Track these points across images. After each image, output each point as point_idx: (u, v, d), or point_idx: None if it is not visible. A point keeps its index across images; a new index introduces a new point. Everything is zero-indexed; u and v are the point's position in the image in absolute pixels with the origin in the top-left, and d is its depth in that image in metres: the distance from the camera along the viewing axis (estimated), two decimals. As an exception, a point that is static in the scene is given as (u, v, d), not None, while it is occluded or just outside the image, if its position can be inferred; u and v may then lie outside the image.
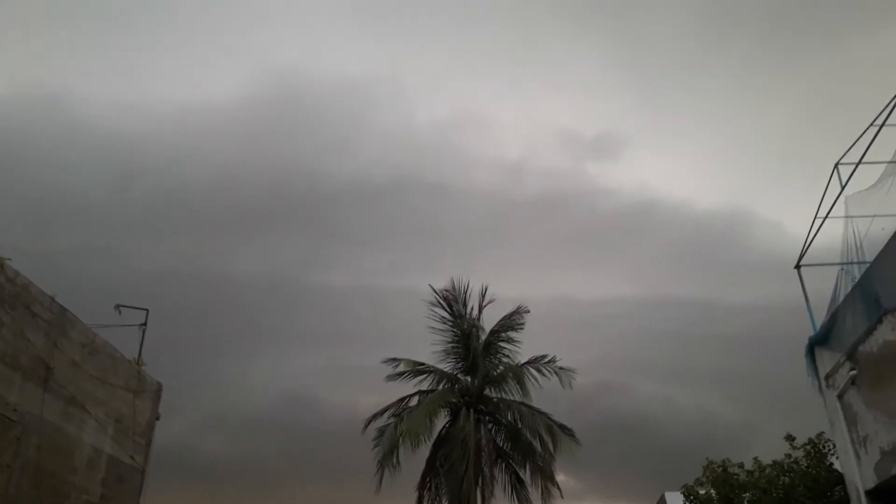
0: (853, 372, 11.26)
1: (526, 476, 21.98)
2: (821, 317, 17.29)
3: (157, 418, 16.18)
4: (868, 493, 11.12)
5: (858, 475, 11.26)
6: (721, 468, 18.13)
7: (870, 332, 10.84)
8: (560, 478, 22.38)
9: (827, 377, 12.70)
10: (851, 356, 11.45)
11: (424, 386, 22.64)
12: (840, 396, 11.87)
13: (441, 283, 23.19)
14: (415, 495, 21.68)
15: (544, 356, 22.53)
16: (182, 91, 52.86)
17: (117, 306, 16.09)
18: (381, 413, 21.78)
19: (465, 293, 22.87)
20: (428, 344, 22.88)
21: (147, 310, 16.50)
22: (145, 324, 16.26)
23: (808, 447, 17.67)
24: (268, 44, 55.67)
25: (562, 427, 21.66)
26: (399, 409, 21.90)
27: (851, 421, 11.54)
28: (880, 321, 10.46)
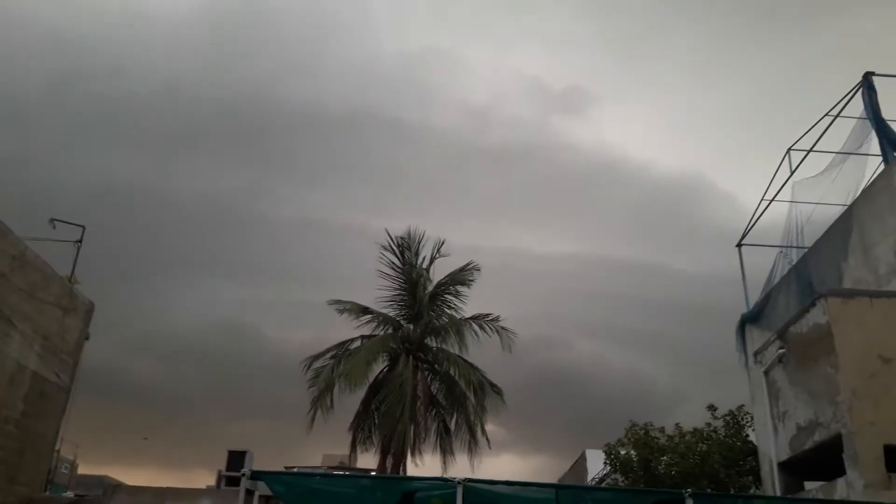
0: (781, 350, 11.66)
1: (452, 426, 22.34)
2: (756, 295, 17.87)
3: (87, 338, 15.76)
4: (781, 465, 11.66)
5: (774, 448, 11.77)
6: (643, 431, 18.75)
7: (801, 314, 11.19)
8: (488, 427, 22.76)
9: (756, 353, 13.15)
10: (782, 335, 11.83)
11: (367, 330, 22.63)
12: (766, 373, 12.30)
13: (392, 226, 23.12)
14: (345, 436, 21.87)
15: (488, 314, 22.76)
16: (130, -6, 49.43)
17: (52, 220, 15.48)
18: (323, 354, 21.71)
19: (420, 243, 22.80)
20: (370, 287, 22.85)
21: (83, 227, 15.94)
22: (81, 241, 15.70)
23: (728, 418, 18.40)
24: (231, -47, 52.62)
25: (492, 385, 21.96)
26: (340, 350, 21.87)
27: (774, 396, 12.00)
28: (813, 304, 10.79)
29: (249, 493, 8.48)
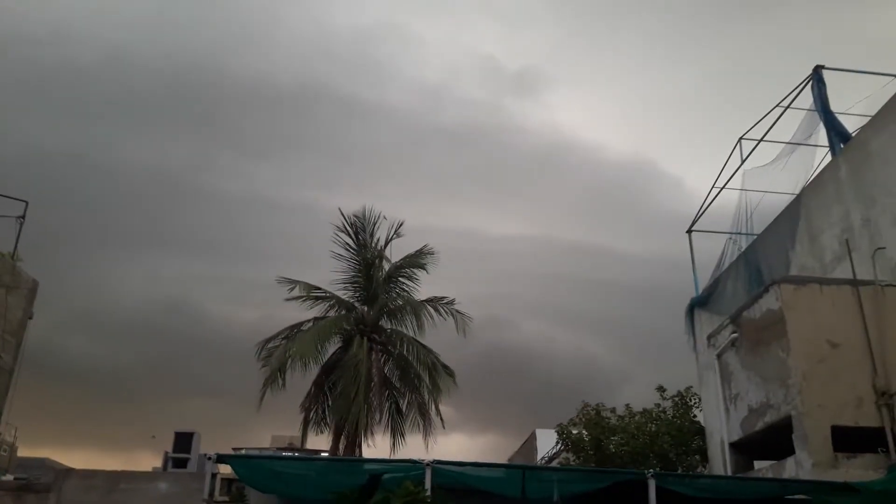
0: (734, 335, 12.01)
1: (404, 407, 22.40)
2: (705, 279, 18.35)
3: (31, 317, 15.15)
4: (732, 445, 12.07)
5: (726, 428, 12.17)
6: (595, 411, 19.16)
7: (755, 299, 11.54)
8: (433, 408, 22.76)
9: (709, 337, 13.52)
10: (735, 320, 12.19)
11: (319, 311, 22.41)
12: (719, 356, 12.67)
13: (342, 203, 22.84)
14: (295, 417, 21.71)
15: (443, 297, 22.77)
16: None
17: (-7, 195, 14.75)
18: (276, 336, 21.43)
19: (375, 224, 22.58)
20: (320, 265, 22.60)
21: (27, 202, 15.24)
22: (23, 216, 15.03)
23: (677, 399, 18.95)
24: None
25: (445, 367, 22.04)
26: (292, 332, 21.62)
27: (726, 379, 12.38)
28: (766, 290, 11.13)
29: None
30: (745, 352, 11.71)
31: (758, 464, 12.01)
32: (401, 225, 22.81)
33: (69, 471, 12.12)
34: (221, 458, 7.86)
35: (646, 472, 8.08)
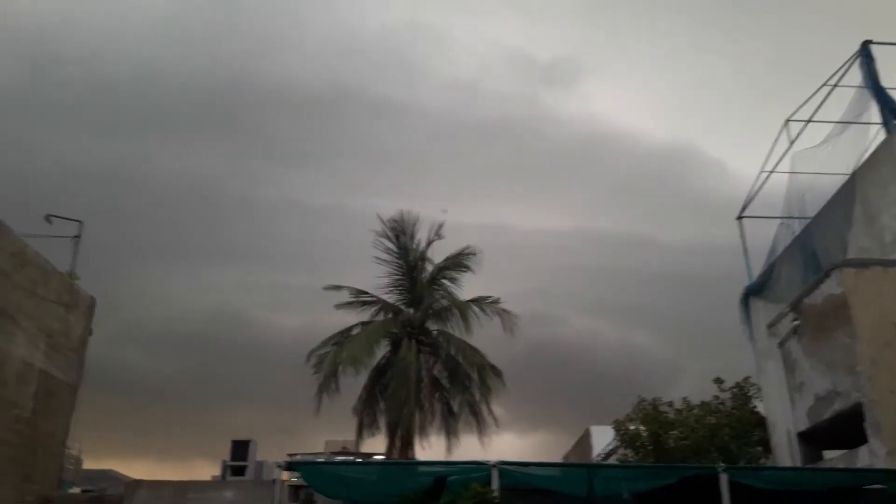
0: (796, 322, 11.70)
1: (456, 407, 22.43)
2: (756, 266, 17.94)
3: (90, 334, 15.57)
4: (799, 435, 11.76)
5: (792, 418, 11.86)
6: (652, 406, 18.87)
7: (815, 285, 11.23)
8: (484, 408, 22.66)
9: (769, 325, 13.20)
10: (795, 307, 11.88)
11: (366, 315, 22.58)
12: (781, 344, 12.36)
13: (378, 205, 22.96)
14: (347, 422, 21.93)
15: (489, 297, 22.74)
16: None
17: (48, 216, 15.20)
18: (327, 342, 21.66)
19: (414, 225, 22.67)
20: (358, 267, 22.74)
21: (81, 221, 15.66)
22: (79, 236, 15.46)
23: (735, 390, 18.55)
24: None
25: (493, 368, 22.00)
26: (342, 337, 21.82)
27: (790, 368, 12.07)
28: (828, 275, 10.82)
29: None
30: (809, 339, 11.40)
31: (827, 453, 11.68)
32: (441, 226, 22.86)
33: (138, 482, 12.39)
34: (291, 466, 7.95)
35: (717, 466, 7.90)
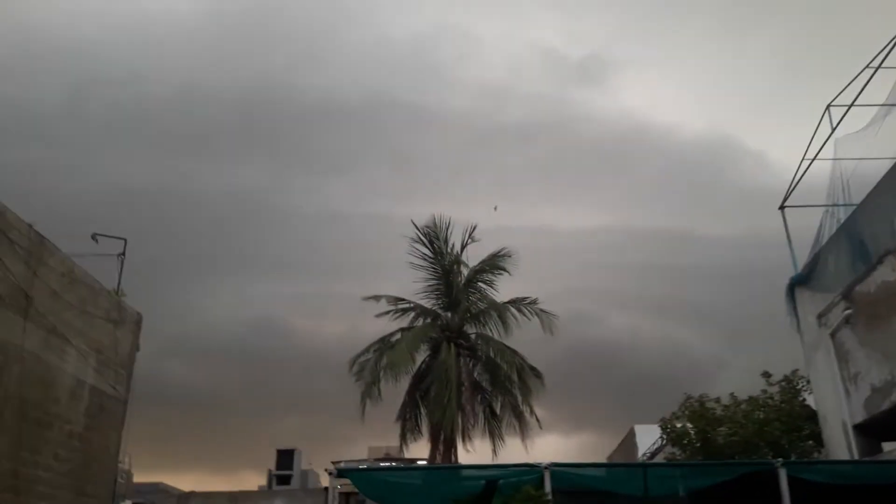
0: (848, 311, 11.40)
1: (498, 410, 22.36)
2: (801, 256, 17.52)
3: (138, 349, 15.84)
4: (856, 428, 11.42)
5: (847, 411, 11.54)
6: (699, 403, 18.54)
7: (868, 272, 10.92)
8: (525, 409, 22.49)
9: (819, 316, 12.88)
10: (847, 296, 11.58)
11: (405, 322, 22.67)
12: (833, 335, 12.05)
13: (416, 211, 23.08)
14: (389, 427, 22.03)
15: (526, 297, 22.70)
16: (142, -1, 48.96)
17: (94, 235, 15.50)
18: (367, 350, 21.79)
19: (448, 229, 22.69)
20: (399, 274, 22.84)
21: (125, 239, 15.95)
22: (124, 253, 15.74)
23: (783, 383, 18.12)
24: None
25: (533, 369, 21.90)
26: (382, 344, 21.92)
27: (843, 358, 11.76)
28: (880, 262, 10.53)
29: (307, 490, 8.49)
30: (862, 328, 11.09)
31: (886, 445, 11.33)
32: (474, 229, 22.83)
33: (189, 494, 12.57)
34: (342, 473, 7.96)
35: (775, 461, 7.71)
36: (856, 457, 11.35)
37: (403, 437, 22.42)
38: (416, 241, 22.79)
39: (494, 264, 23.16)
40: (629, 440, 28.97)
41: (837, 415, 12.48)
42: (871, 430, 11.31)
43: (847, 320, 11.49)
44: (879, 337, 10.58)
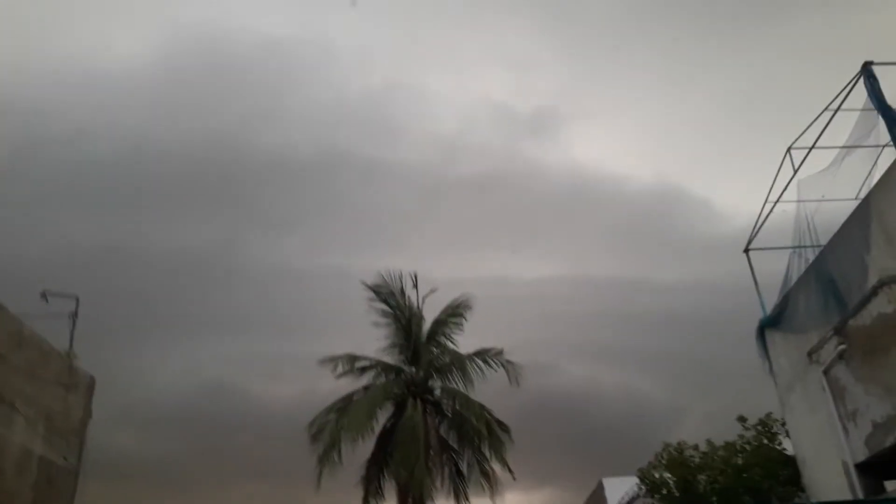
0: (842, 346, 11.34)
1: (464, 468, 21.63)
2: (749, 300, 17.67)
3: (90, 416, 14.56)
4: (858, 467, 11.21)
5: (848, 450, 11.34)
6: (677, 451, 18.25)
7: (862, 305, 10.92)
8: (495, 465, 21.80)
9: (810, 353, 12.80)
10: (840, 331, 11.54)
11: (366, 379, 21.85)
12: (826, 371, 11.96)
13: (372, 266, 22.55)
14: (353, 492, 20.90)
15: (491, 348, 22.18)
16: (89, 55, 47.93)
17: (43, 294, 14.35)
18: (327, 411, 20.77)
19: (401, 283, 22.20)
20: (355, 327, 22.12)
21: (77, 297, 14.83)
22: (76, 313, 14.60)
23: (759, 427, 18.04)
24: (182, 1, 51.73)
25: (500, 423, 21.36)
26: (343, 404, 20.96)
27: (839, 395, 11.64)
28: (875, 293, 10.53)
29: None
30: (859, 363, 11.02)
31: (889, 485, 11.16)
32: (416, 277, 22.40)
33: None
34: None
35: None
36: (860, 496, 11.10)
37: (367, 501, 21.26)
38: (373, 300, 22.24)
39: (454, 312, 22.69)
40: (598, 493, 28.34)
41: (831, 455, 12.27)
42: (874, 469, 11.12)
43: (841, 356, 11.43)
44: (879, 371, 10.51)
